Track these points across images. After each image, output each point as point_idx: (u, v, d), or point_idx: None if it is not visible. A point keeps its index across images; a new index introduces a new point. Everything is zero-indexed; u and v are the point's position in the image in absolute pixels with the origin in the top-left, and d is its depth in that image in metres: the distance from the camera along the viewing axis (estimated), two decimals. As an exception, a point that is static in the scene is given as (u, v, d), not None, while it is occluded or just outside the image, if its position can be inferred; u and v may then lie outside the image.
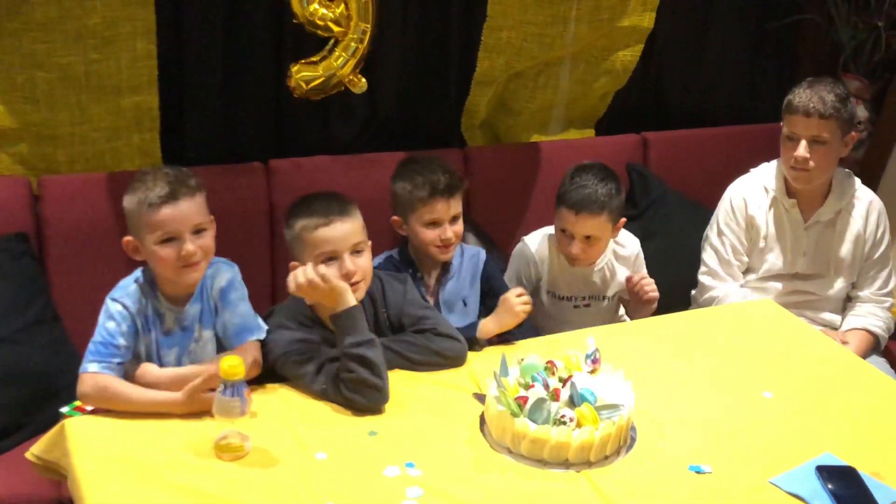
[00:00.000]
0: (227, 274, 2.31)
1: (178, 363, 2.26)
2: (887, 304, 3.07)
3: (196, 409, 2.13)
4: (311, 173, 3.01)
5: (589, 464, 2.08)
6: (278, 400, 2.24)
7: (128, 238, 2.23)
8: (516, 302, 2.52)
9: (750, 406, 2.33)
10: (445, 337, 2.41)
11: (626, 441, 2.16)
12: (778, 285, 3.04)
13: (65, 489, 2.37)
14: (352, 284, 2.28)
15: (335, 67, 2.75)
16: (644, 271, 2.92)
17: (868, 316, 3.03)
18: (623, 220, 2.82)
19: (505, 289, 2.67)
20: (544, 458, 2.08)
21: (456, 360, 2.41)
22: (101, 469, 1.98)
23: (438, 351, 2.39)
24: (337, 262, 2.28)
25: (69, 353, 2.68)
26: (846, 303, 3.12)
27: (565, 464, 2.08)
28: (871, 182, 3.13)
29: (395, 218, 2.70)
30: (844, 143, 2.93)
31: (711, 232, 3.11)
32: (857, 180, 3.06)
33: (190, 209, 2.20)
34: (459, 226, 2.67)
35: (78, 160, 2.85)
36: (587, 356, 2.31)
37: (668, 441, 2.18)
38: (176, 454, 2.04)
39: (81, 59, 2.70)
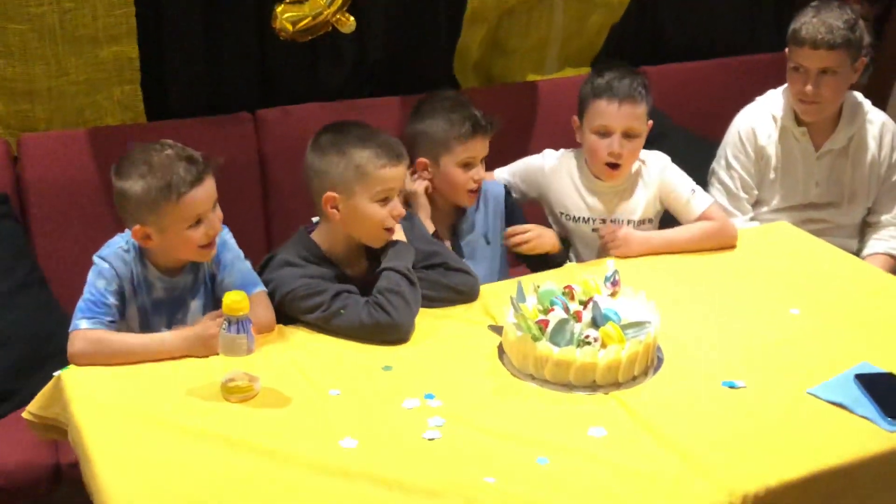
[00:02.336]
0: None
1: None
2: (908, 228, 2.98)
3: (203, 352, 2.02)
4: (301, 121, 2.88)
5: (617, 385, 1.98)
6: (284, 341, 2.13)
7: (137, 227, 2.04)
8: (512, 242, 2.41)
9: (778, 323, 2.23)
10: (457, 271, 2.30)
11: (653, 362, 2.06)
12: (790, 216, 2.94)
13: (63, 453, 2.27)
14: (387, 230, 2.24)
15: (322, 6, 2.62)
16: (680, 192, 2.65)
17: (890, 240, 2.94)
18: (651, 122, 2.65)
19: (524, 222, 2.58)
20: (570, 381, 1.97)
21: (469, 295, 2.31)
22: (103, 418, 1.86)
23: (451, 286, 2.29)
24: (391, 202, 2.22)
25: (58, 317, 2.54)
26: (863, 228, 3.03)
27: (592, 386, 1.97)
28: (878, 106, 3.02)
29: (420, 160, 2.53)
30: (854, 69, 2.82)
31: (718, 166, 3.00)
32: (868, 103, 2.96)
33: (212, 186, 2.07)
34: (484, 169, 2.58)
35: (56, 117, 2.71)
36: (606, 278, 2.20)
37: (697, 360, 2.08)
38: (181, 399, 1.92)
39: (55, 7, 2.56)
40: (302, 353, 2.08)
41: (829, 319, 2.25)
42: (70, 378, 1.98)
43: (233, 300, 1.88)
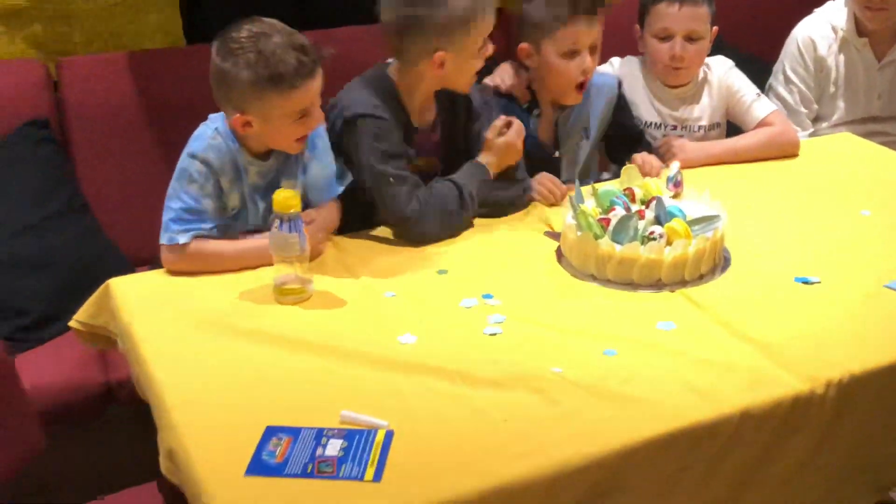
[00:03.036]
0: None
1: (265, 220, 2.02)
2: (975, 136, 2.86)
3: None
4: (342, 44, 2.77)
5: (684, 283, 1.89)
6: (334, 247, 2.06)
7: (238, 115, 1.91)
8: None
9: (849, 223, 2.14)
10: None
11: (720, 260, 1.97)
12: (851, 130, 2.83)
13: (113, 370, 2.22)
14: None
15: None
16: (743, 95, 2.56)
17: None
18: (716, 28, 2.54)
19: (636, 125, 2.52)
20: (633, 279, 1.89)
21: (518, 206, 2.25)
22: (155, 322, 1.80)
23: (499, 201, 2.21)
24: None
25: (103, 243, 2.51)
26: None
27: (657, 284, 1.89)
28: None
29: (522, 45, 2.39)
30: None
31: (776, 81, 2.90)
32: (932, 10, 2.84)
33: (320, 78, 1.95)
34: (596, 59, 2.39)
35: (95, 40, 2.66)
36: (669, 178, 2.12)
37: (767, 259, 1.99)
38: (234, 302, 1.86)
39: (93, -71, 2.51)
40: (354, 258, 2.02)
41: (902, 219, 2.15)
42: (119, 286, 1.93)
43: (284, 197, 1.81)
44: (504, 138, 2.19)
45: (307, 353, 1.69)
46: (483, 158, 2.19)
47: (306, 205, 2.07)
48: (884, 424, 1.69)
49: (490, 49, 2.13)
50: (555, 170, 2.40)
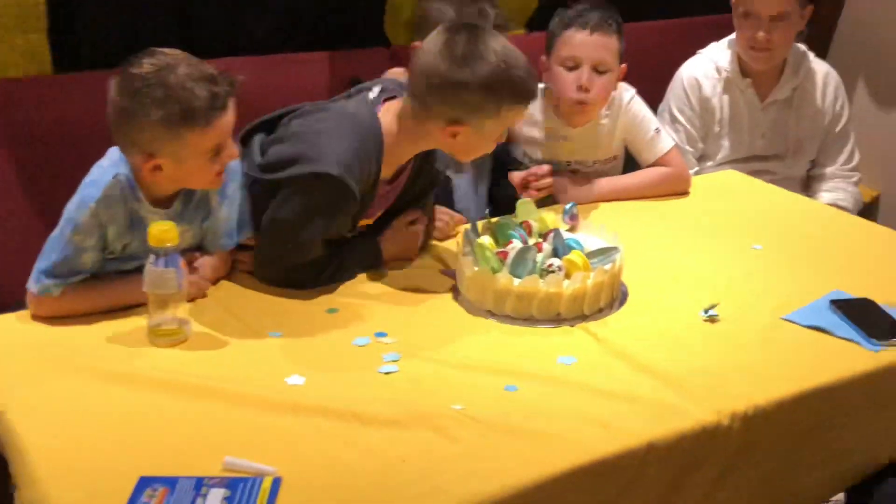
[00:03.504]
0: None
1: None
2: (854, 179, 2.92)
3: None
4: (230, 76, 2.70)
5: (583, 317, 1.84)
6: (213, 287, 1.93)
7: (149, 160, 1.73)
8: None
9: (742, 258, 2.13)
10: None
11: (618, 294, 1.92)
12: (736, 169, 2.85)
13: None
14: None
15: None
16: (644, 128, 2.52)
17: (836, 191, 2.87)
18: (625, 66, 2.50)
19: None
20: (533, 314, 1.83)
21: None
22: (14, 369, 1.64)
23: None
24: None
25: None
26: (808, 180, 2.96)
27: (557, 319, 1.83)
28: (819, 56, 2.98)
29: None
30: (802, 16, 2.76)
31: (662, 120, 2.89)
32: (811, 54, 2.90)
33: (232, 109, 1.77)
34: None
35: (-46, 67, 2.48)
36: (565, 212, 2.07)
37: (664, 293, 1.95)
38: (103, 346, 1.71)
39: (-51, -53, 2.34)
40: (236, 298, 1.90)
41: (793, 254, 2.15)
42: (-26, 327, 1.76)
43: (160, 230, 1.68)
44: (413, 228, 2.07)
45: (185, 396, 1.55)
46: (384, 244, 2.03)
47: (200, 249, 1.95)
48: (787, 457, 1.66)
49: (504, 138, 1.98)
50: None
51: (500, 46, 1.85)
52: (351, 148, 1.85)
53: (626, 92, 2.55)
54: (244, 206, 1.96)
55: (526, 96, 1.88)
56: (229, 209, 1.93)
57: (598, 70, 2.41)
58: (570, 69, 2.42)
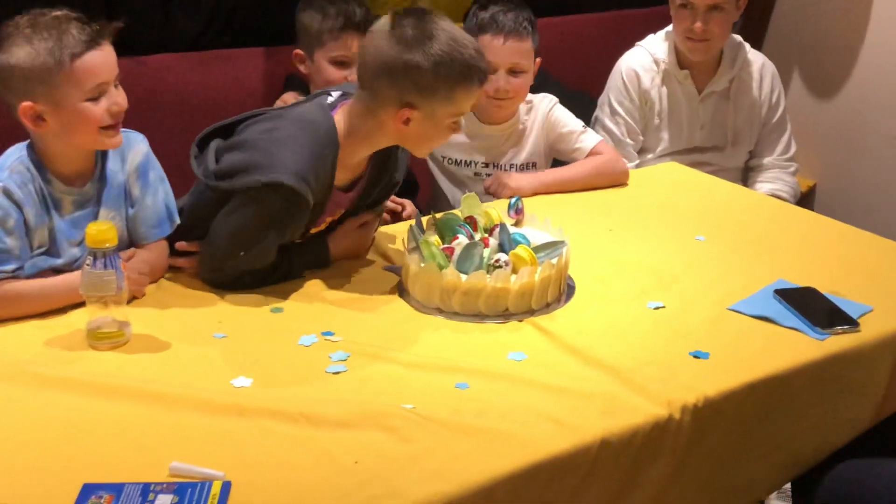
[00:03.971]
0: (142, 146, 1.89)
1: (82, 254, 1.80)
2: (792, 170, 2.96)
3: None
4: (155, 72, 2.64)
5: (531, 311, 1.83)
6: (154, 287, 1.88)
7: (27, 104, 1.71)
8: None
9: (685, 249, 2.14)
10: None
11: (565, 288, 1.92)
12: (676, 161, 2.87)
13: None
14: None
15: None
16: (569, 128, 2.53)
17: (775, 181, 2.91)
18: (539, 60, 2.53)
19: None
20: (480, 310, 1.81)
21: None
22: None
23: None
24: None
25: None
26: (747, 171, 3.00)
27: (505, 314, 1.81)
28: (754, 48, 3.01)
29: (297, 51, 2.52)
30: (738, 6, 2.79)
31: (602, 113, 2.92)
32: (747, 45, 2.94)
33: (112, 54, 1.76)
34: None
35: None
36: (510, 206, 2.07)
37: (610, 286, 1.95)
38: (39, 350, 1.66)
39: None
40: (177, 299, 1.85)
41: (735, 244, 2.16)
42: None
43: (98, 230, 1.62)
44: (364, 230, 2.04)
45: (128, 400, 1.51)
46: (333, 244, 1.99)
47: (131, 243, 1.91)
48: (738, 447, 1.66)
49: (460, 130, 1.95)
50: None
51: (450, 27, 1.83)
52: (305, 156, 1.80)
53: (548, 100, 2.59)
54: (170, 197, 1.93)
55: (478, 76, 1.85)
56: (154, 198, 1.90)
57: (514, 72, 2.46)
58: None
